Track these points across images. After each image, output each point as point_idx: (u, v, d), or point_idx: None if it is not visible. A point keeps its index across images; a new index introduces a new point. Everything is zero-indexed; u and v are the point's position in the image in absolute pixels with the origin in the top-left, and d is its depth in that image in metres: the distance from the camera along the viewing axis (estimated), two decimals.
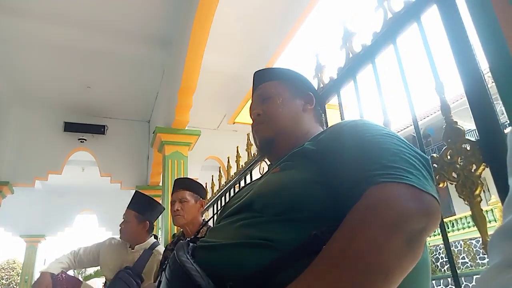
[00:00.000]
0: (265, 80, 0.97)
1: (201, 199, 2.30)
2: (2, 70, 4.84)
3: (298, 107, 0.92)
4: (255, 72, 1.02)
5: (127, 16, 4.11)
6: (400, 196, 0.51)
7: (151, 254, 2.32)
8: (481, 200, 0.81)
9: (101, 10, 3.99)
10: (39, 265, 9.18)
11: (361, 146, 0.61)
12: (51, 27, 4.15)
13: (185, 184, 2.28)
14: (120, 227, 2.37)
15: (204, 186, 3.18)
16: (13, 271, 20.84)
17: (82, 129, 5.87)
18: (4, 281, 20.12)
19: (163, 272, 0.64)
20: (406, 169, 0.55)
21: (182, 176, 4.09)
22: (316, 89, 1.08)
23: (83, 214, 9.60)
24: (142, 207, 2.37)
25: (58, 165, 5.72)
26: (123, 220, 2.35)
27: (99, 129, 5.96)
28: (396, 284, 0.48)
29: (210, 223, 2.55)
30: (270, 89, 0.94)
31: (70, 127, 5.81)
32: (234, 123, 6.10)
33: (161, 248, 2.41)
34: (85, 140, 5.92)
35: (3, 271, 20.99)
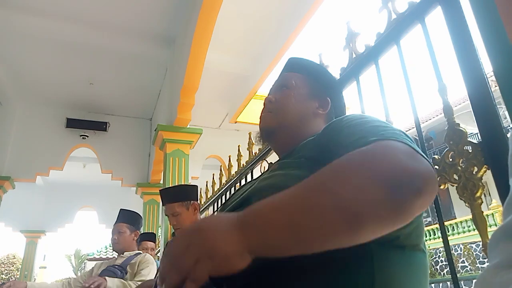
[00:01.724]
0: (291, 70, 0.96)
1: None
2: (6, 65, 4.85)
3: (310, 108, 0.90)
4: (289, 58, 1.00)
5: (131, 14, 4.12)
6: (398, 150, 0.49)
7: (137, 254, 2.49)
8: (482, 202, 0.81)
9: (105, 7, 4.00)
10: (39, 261, 9.20)
11: (358, 128, 0.62)
12: (54, 23, 4.16)
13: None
14: (113, 240, 2.51)
15: (205, 185, 3.19)
16: (12, 266, 20.90)
17: (84, 125, 5.88)
18: (3, 276, 20.18)
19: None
20: (404, 137, 0.55)
21: (182, 174, 4.10)
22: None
23: (84, 211, 9.61)
24: (131, 219, 2.60)
25: (59, 161, 5.73)
26: (115, 234, 2.51)
27: (101, 126, 5.97)
28: (364, 236, 0.45)
29: None
30: (291, 80, 0.92)
31: (72, 123, 5.82)
32: (236, 122, 6.10)
33: (149, 256, 2.51)
34: (87, 136, 5.93)
35: (3, 266, 21.05)
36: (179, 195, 2.13)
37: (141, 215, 6.05)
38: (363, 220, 0.44)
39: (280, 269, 0.53)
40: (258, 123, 0.93)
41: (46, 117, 5.82)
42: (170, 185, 3.97)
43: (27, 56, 4.70)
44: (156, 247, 4.01)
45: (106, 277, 2.07)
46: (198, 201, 2.25)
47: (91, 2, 3.92)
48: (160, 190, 2.25)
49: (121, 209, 2.65)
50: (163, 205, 2.20)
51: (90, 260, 18.87)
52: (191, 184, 2.39)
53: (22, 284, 2.16)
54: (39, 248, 9.22)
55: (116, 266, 2.35)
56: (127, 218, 2.58)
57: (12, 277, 19.43)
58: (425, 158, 0.51)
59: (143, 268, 2.31)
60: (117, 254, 2.53)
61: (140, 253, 2.50)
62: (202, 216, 3.01)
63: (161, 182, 5.32)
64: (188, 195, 2.15)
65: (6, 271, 20.87)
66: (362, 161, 0.48)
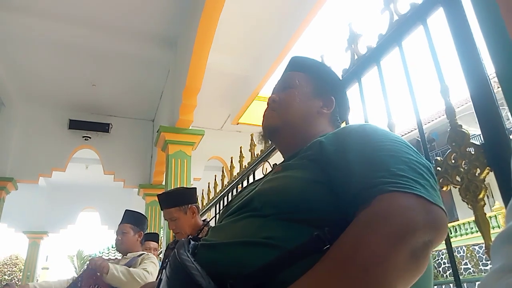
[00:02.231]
0: (295, 69, 0.96)
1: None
2: (9, 67, 4.87)
3: (314, 108, 0.89)
4: (292, 57, 1.00)
5: (133, 15, 4.13)
6: (409, 207, 0.50)
7: (141, 254, 2.48)
8: (485, 204, 0.81)
9: (107, 9, 4.02)
10: (41, 262, 9.22)
11: (369, 152, 0.60)
12: (58, 25, 4.17)
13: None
14: (117, 240, 2.51)
15: (207, 186, 3.19)
16: (15, 266, 20.95)
17: (87, 126, 5.90)
18: (6, 277, 20.23)
19: (163, 270, 0.64)
20: (415, 179, 0.54)
21: (185, 175, 4.10)
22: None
23: (86, 212, 9.63)
24: (135, 220, 2.59)
25: (62, 162, 5.75)
26: (119, 234, 2.51)
27: (103, 127, 5.98)
28: None
29: (212, 223, 2.54)
30: (295, 79, 0.92)
31: (75, 125, 5.84)
32: (238, 123, 6.10)
33: (153, 257, 2.50)
34: (90, 138, 5.95)
35: (6, 266, 21.10)
36: (176, 200, 2.10)
37: None
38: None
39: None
40: (262, 122, 0.92)
41: (48, 118, 5.84)
42: (172, 186, 3.98)
43: (30, 57, 4.72)
44: (158, 247, 4.01)
45: (109, 263, 2.08)
46: (197, 203, 2.22)
47: (94, 4, 3.93)
48: (157, 195, 2.22)
49: (126, 210, 2.64)
50: (161, 209, 2.19)
51: None
52: (189, 187, 2.37)
53: None
54: (41, 249, 9.25)
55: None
56: (131, 218, 2.57)
57: (15, 278, 19.48)
58: (437, 204, 0.52)
59: (146, 263, 2.32)
60: (121, 255, 2.52)
61: (144, 253, 2.49)
62: (205, 217, 3.01)
63: (163, 183, 5.33)
64: (185, 199, 2.12)
65: (9, 272, 20.91)
66: (378, 235, 0.49)
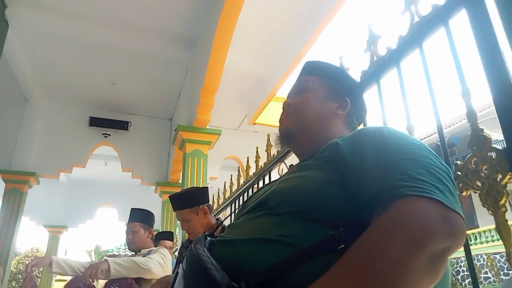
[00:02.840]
0: (309, 73, 0.96)
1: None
2: (33, 64, 5.02)
3: (329, 109, 0.89)
4: (306, 62, 1.01)
5: (154, 15, 4.19)
6: (428, 213, 0.50)
7: (153, 249, 2.49)
8: (506, 210, 0.79)
9: (128, 8, 4.09)
10: (61, 255, 9.45)
11: (386, 154, 0.60)
12: (80, 24, 4.28)
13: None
14: (128, 239, 2.52)
15: (223, 185, 3.21)
16: None
17: (107, 124, 6.02)
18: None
19: (180, 264, 0.65)
20: (433, 184, 0.54)
21: (201, 174, 4.14)
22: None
23: (104, 208, 9.83)
24: (144, 217, 2.59)
25: (82, 158, 5.89)
26: (129, 233, 2.51)
27: (122, 125, 6.10)
28: None
29: (226, 222, 2.55)
30: (309, 82, 0.92)
31: (95, 122, 5.97)
32: (254, 124, 6.12)
33: (163, 248, 2.52)
34: (109, 135, 6.07)
35: (27, 258, 21.75)
36: (187, 201, 2.11)
37: (159, 213, 6.17)
38: None
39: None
40: (278, 126, 0.93)
41: (70, 115, 5.99)
42: (189, 185, 4.02)
43: (53, 55, 4.86)
44: (174, 245, 4.06)
45: (108, 259, 2.09)
46: (209, 203, 2.22)
47: (116, 3, 4.01)
48: (169, 197, 2.23)
49: (132, 209, 2.63)
50: (173, 211, 2.20)
51: (109, 257, 19.25)
52: (200, 187, 2.37)
53: (47, 259, 2.24)
54: (61, 243, 9.49)
55: None
56: (140, 216, 2.57)
57: (35, 270, 20.03)
58: (455, 210, 0.52)
59: (153, 253, 2.34)
60: (134, 253, 2.53)
61: (156, 248, 2.50)
62: (219, 216, 3.03)
63: (180, 181, 5.38)
64: (196, 200, 2.12)
65: None
66: (396, 241, 0.48)
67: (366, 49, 1.34)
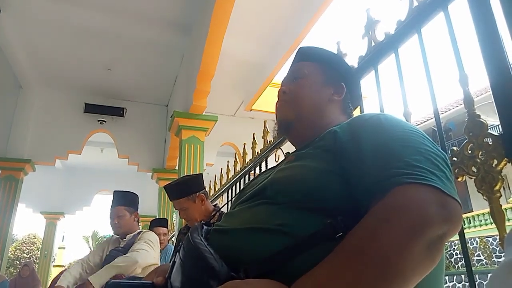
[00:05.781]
0: (303, 59, 0.95)
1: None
2: (27, 50, 4.95)
3: (325, 95, 0.88)
4: (299, 48, 0.99)
5: (149, 1, 4.12)
6: (425, 199, 0.50)
7: (139, 232, 2.44)
8: (501, 195, 0.80)
9: None
10: (58, 241, 9.50)
11: (384, 142, 0.60)
12: (74, 9, 4.20)
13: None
14: (113, 224, 2.44)
15: (220, 172, 3.22)
16: (33, 245, 21.70)
17: (102, 111, 5.99)
18: (25, 255, 20.99)
19: (177, 253, 0.65)
20: (431, 170, 0.54)
21: (198, 160, 4.13)
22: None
23: (101, 194, 9.85)
24: (129, 201, 2.50)
25: (78, 145, 5.87)
26: (114, 218, 2.43)
27: (118, 112, 6.06)
28: (411, 287, 0.48)
29: (224, 209, 2.56)
30: (303, 69, 0.91)
31: (90, 109, 5.94)
32: (251, 110, 6.10)
33: (148, 232, 2.48)
34: (105, 121, 6.04)
35: (25, 245, 21.88)
36: (183, 190, 2.10)
37: (156, 200, 6.18)
38: (410, 279, 0.48)
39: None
40: (275, 113, 0.92)
41: (65, 102, 5.94)
42: (186, 171, 4.02)
43: (48, 41, 4.78)
44: (169, 232, 4.08)
45: (89, 278, 2.01)
46: (205, 189, 2.21)
47: None
48: (164, 187, 2.21)
49: (115, 191, 2.55)
50: (170, 200, 2.19)
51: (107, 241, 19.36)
52: (194, 174, 2.35)
53: None
54: (58, 229, 9.54)
55: (120, 248, 2.32)
56: (124, 200, 2.48)
57: (33, 256, 20.17)
58: (452, 196, 0.52)
59: (138, 242, 2.28)
60: (120, 238, 2.47)
61: (142, 231, 2.44)
62: (216, 202, 3.04)
63: (177, 168, 5.39)
64: (192, 188, 2.12)
65: (27, 250, 21.69)
66: (395, 227, 0.49)
67: (364, 34, 1.32)
